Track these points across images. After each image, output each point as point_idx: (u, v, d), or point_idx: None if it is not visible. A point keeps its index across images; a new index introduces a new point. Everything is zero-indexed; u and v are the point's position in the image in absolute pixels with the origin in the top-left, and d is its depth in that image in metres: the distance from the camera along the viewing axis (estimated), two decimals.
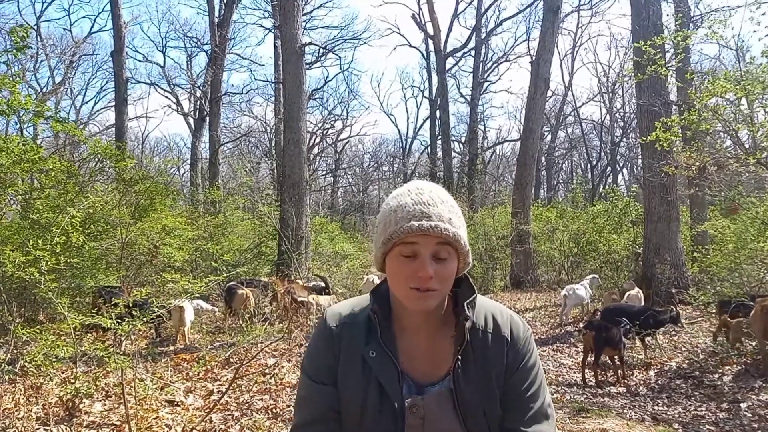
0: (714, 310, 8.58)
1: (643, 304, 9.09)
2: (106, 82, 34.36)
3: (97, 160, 11.53)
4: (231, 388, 5.03)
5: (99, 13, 72.15)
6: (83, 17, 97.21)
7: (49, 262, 4.83)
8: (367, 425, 1.33)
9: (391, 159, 47.36)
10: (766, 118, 7.50)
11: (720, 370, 6.59)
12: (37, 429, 4.38)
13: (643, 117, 11.73)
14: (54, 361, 4.85)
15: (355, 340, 1.38)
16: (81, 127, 25.81)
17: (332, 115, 39.78)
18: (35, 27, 29.67)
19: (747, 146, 8.00)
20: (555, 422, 1.40)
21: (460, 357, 1.33)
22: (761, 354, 6.40)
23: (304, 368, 1.43)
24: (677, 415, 5.40)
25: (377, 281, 1.61)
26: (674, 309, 7.67)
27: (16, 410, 4.80)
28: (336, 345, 1.39)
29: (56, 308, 4.94)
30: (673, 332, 8.53)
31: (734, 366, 6.67)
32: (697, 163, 8.05)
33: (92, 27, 78.43)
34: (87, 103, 37.23)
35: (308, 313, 9.31)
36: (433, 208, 1.27)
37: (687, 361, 7.16)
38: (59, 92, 30.27)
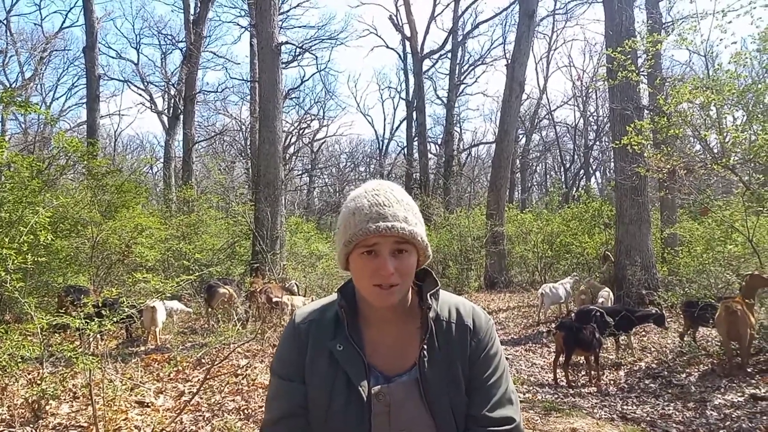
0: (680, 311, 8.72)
1: (612, 304, 9.24)
2: (78, 79, 33.82)
3: (66, 156, 11.26)
4: (202, 388, 4.98)
5: (71, 8, 69.74)
6: (54, 12, 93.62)
7: (16, 261, 4.72)
8: (334, 417, 1.35)
9: (368, 159, 47.43)
10: (733, 123, 7.68)
11: (687, 370, 6.75)
12: (1, 431, 4.28)
13: (616, 121, 11.94)
14: (20, 362, 4.75)
15: (322, 335, 1.42)
16: (50, 126, 25.24)
17: (308, 115, 39.66)
18: (5, 21, 29.01)
19: (715, 151, 8.17)
20: (519, 408, 1.44)
21: (425, 346, 1.38)
22: (726, 354, 6.55)
23: (273, 369, 1.47)
24: (646, 415, 5.50)
25: None
26: (658, 312, 7.59)
27: None
28: (303, 341, 1.42)
29: (23, 308, 4.83)
30: (643, 332, 8.68)
31: (701, 366, 6.83)
32: (668, 167, 8.21)
33: (64, 22, 77.18)
34: (58, 99, 36.55)
35: (282, 314, 9.25)
36: (389, 208, 1.32)
37: (656, 361, 7.31)
38: (29, 88, 29.60)
